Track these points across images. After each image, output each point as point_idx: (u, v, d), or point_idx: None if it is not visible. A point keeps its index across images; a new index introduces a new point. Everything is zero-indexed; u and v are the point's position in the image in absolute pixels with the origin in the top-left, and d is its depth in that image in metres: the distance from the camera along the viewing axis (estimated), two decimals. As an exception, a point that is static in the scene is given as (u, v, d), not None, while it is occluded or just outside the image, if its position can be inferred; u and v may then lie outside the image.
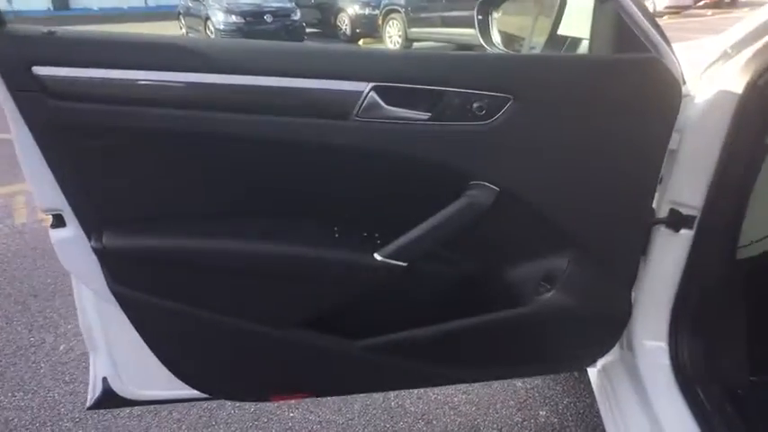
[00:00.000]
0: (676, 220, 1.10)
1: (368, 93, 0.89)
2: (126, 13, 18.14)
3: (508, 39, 1.95)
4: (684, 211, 1.08)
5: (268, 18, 10.56)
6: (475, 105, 0.92)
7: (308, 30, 11.65)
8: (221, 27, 10.34)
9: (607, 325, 1.18)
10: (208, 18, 10.70)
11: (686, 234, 1.10)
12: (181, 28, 12.23)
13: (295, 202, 1.01)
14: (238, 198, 0.98)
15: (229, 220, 0.99)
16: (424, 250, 1.01)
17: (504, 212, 0.99)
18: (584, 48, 1.42)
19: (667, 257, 1.14)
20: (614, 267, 1.11)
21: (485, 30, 1.91)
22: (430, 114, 0.92)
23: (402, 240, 1.00)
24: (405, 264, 1.01)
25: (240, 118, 0.88)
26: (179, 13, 12.45)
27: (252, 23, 10.39)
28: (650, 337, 1.22)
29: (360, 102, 0.89)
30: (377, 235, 1.04)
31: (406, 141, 0.93)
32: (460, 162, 0.95)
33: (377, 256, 1.00)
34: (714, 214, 1.06)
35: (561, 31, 1.63)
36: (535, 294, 1.09)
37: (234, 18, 10.35)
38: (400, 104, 0.91)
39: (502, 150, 0.96)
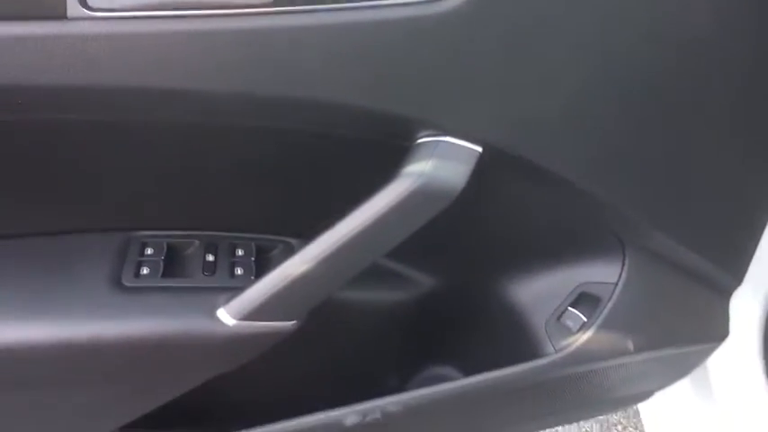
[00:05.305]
0: None
1: None
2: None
3: None
4: None
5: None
6: None
7: None
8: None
9: (687, 357, 0.68)
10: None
11: None
12: None
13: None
14: None
15: None
16: (327, 294, 0.50)
17: (495, 189, 0.52)
18: None
19: None
20: (706, 264, 0.61)
21: None
22: None
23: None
24: (292, 323, 0.50)
25: None
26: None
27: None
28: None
29: None
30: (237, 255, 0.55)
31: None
32: (390, 99, 0.43)
33: (223, 318, 0.48)
34: None
35: None
36: (560, 335, 0.58)
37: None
38: None
39: (483, 58, 0.43)
